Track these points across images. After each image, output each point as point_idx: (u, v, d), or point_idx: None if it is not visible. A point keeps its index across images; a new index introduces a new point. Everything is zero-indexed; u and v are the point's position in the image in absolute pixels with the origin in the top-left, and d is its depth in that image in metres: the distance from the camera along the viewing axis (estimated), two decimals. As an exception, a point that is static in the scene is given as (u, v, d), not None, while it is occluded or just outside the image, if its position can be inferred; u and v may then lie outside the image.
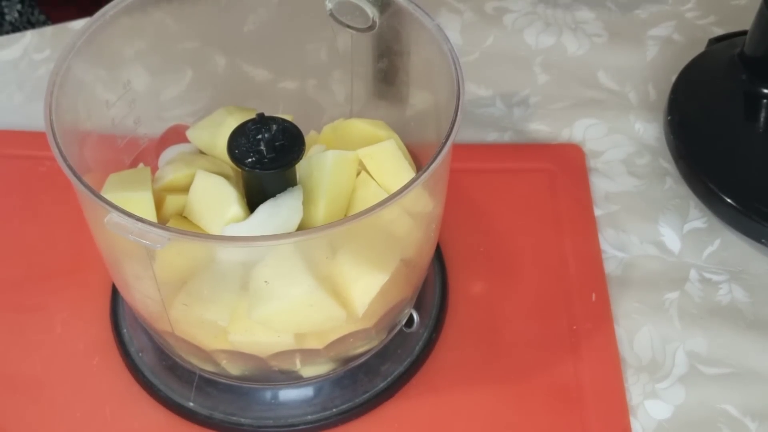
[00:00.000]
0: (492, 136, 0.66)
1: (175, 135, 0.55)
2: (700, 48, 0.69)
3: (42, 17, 0.96)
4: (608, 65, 0.72)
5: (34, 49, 0.71)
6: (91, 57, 0.47)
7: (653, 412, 0.52)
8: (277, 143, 0.46)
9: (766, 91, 0.64)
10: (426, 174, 0.41)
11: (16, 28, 0.93)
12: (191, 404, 0.52)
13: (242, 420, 0.51)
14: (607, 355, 0.54)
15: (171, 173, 0.50)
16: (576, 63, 0.72)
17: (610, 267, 0.59)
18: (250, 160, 0.45)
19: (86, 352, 0.54)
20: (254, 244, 0.42)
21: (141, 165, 0.53)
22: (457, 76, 0.45)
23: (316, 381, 0.52)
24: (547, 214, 0.61)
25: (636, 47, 0.73)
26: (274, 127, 0.46)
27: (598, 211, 0.62)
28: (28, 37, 0.72)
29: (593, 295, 0.57)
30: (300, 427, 0.51)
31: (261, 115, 0.46)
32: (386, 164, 0.49)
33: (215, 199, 0.47)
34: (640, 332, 0.56)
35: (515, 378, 0.53)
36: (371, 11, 0.48)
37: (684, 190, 0.63)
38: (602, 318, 0.56)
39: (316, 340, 0.48)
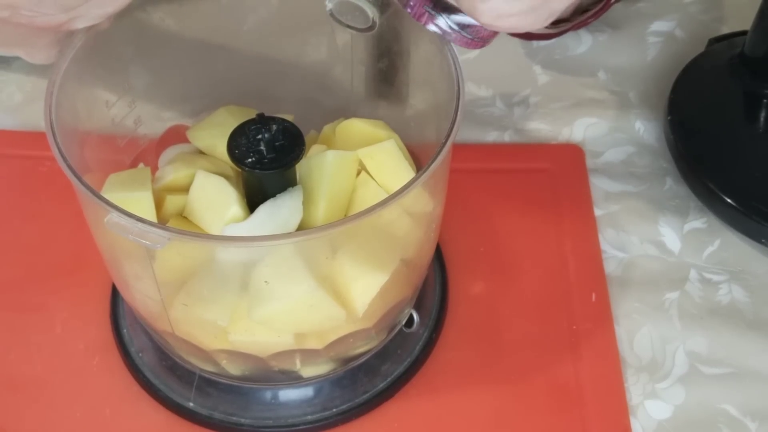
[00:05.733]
0: (492, 136, 0.66)
1: (175, 135, 0.55)
2: (701, 46, 0.69)
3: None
4: (609, 65, 0.72)
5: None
6: (91, 57, 0.47)
7: (653, 412, 0.52)
8: (277, 143, 0.46)
9: (766, 91, 0.64)
10: (426, 174, 0.41)
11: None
12: (191, 404, 0.52)
13: (242, 420, 0.51)
14: (607, 355, 0.54)
15: (171, 173, 0.50)
16: (576, 62, 0.72)
17: (610, 267, 0.59)
18: (250, 160, 0.45)
19: (86, 352, 0.54)
20: (254, 244, 0.42)
21: (141, 165, 0.53)
22: (457, 76, 0.45)
23: (316, 381, 0.52)
24: (547, 214, 0.61)
25: (637, 45, 0.73)
26: (274, 127, 0.46)
27: (598, 211, 0.62)
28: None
29: (593, 295, 0.57)
30: (300, 427, 0.51)
31: (261, 115, 0.46)
32: (386, 164, 0.49)
33: (215, 199, 0.47)
34: (640, 332, 0.56)
35: (515, 378, 0.53)
36: (371, 11, 0.48)
37: (684, 190, 0.63)
38: (602, 318, 0.56)
39: (316, 340, 0.48)
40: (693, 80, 0.66)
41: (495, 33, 0.45)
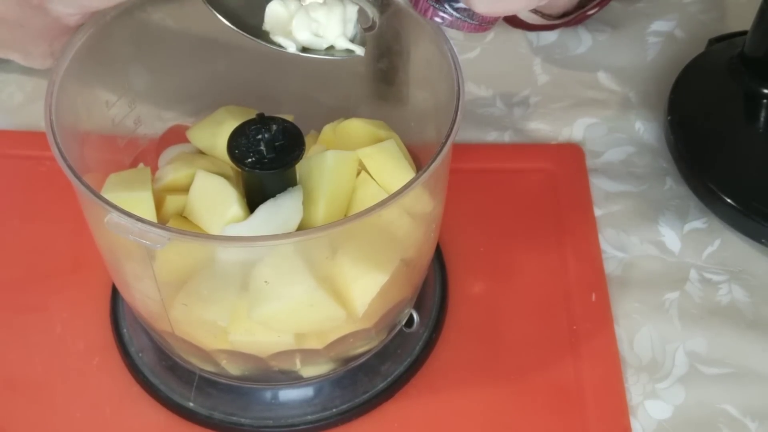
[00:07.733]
0: (492, 136, 0.66)
1: (175, 135, 0.55)
2: (702, 46, 0.69)
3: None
4: (609, 65, 0.72)
5: (34, 49, 0.71)
6: (91, 57, 0.47)
7: (653, 412, 0.52)
8: (277, 143, 0.46)
9: (766, 91, 0.64)
10: (426, 174, 0.41)
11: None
12: (191, 404, 0.52)
13: (242, 420, 0.51)
14: (607, 355, 0.54)
15: (171, 173, 0.50)
16: (576, 62, 0.72)
17: (610, 267, 0.59)
18: (250, 160, 0.45)
19: (86, 352, 0.54)
20: (254, 244, 0.42)
21: (141, 165, 0.53)
22: (457, 76, 0.45)
23: (316, 381, 0.52)
24: (547, 214, 0.61)
25: (637, 45, 0.73)
26: (274, 127, 0.46)
27: (598, 211, 0.62)
28: (28, 37, 0.72)
29: (593, 295, 0.57)
30: (300, 427, 0.51)
31: (261, 115, 0.46)
32: (386, 164, 0.49)
33: (215, 199, 0.47)
34: (640, 332, 0.56)
35: (515, 378, 0.53)
36: (371, 11, 0.48)
37: (684, 190, 0.63)
38: (602, 318, 0.56)
39: (316, 340, 0.48)
40: (693, 80, 0.66)
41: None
